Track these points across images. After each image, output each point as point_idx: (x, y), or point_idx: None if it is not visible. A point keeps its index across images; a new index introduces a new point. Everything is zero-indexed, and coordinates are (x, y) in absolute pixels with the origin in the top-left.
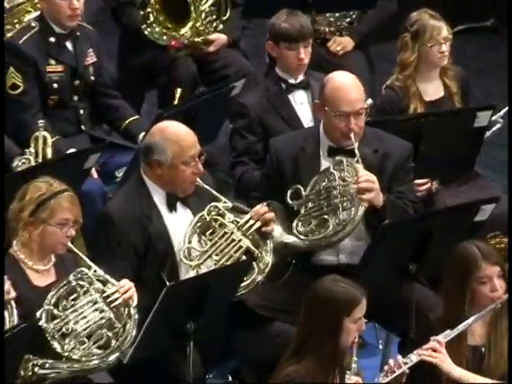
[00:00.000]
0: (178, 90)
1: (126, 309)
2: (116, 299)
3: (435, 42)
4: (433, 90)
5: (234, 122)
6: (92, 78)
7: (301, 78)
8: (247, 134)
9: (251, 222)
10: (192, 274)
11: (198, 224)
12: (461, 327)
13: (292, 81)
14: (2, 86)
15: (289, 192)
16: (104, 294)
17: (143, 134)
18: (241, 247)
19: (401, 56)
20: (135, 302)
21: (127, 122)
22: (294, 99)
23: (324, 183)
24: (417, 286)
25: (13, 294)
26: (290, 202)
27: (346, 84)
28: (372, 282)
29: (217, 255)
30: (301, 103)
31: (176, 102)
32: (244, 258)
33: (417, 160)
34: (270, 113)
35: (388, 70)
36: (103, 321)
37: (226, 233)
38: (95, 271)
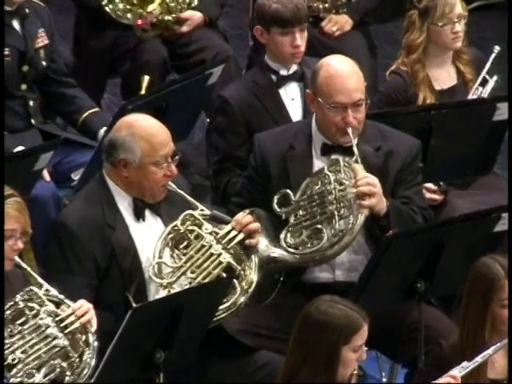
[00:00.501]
0: (146, 78)
1: (84, 335)
2: (71, 323)
3: (447, 21)
4: (445, 76)
5: (213, 118)
6: (43, 63)
7: (294, 68)
8: (229, 135)
9: (233, 233)
10: (163, 293)
11: (171, 235)
12: (480, 358)
13: (284, 72)
14: (2, 85)
15: (276, 197)
16: (57, 318)
17: (104, 129)
18: (220, 263)
19: (407, 37)
20: (94, 327)
21: (85, 115)
22: (285, 94)
23: (317, 187)
24: (426, 308)
25: None
26: (278, 209)
27: (342, 70)
28: (373, 303)
29: (192, 272)
30: (292, 98)
31: (143, 91)
32: (224, 275)
33: (426, 159)
34: (257, 110)
35: (392, 54)
36: (56, 349)
37: (203, 246)
38: (47, 290)
